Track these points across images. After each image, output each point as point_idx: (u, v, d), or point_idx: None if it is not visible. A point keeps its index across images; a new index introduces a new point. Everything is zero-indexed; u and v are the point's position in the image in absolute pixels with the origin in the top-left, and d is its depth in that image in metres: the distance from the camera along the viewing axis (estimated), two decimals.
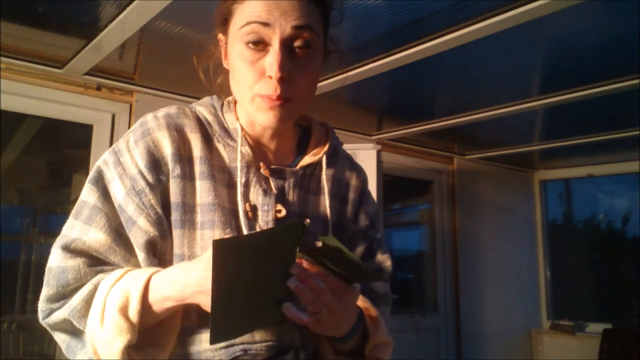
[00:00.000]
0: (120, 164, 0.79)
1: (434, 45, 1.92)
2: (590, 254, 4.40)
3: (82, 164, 2.51)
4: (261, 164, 0.84)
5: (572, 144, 3.45)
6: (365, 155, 2.95)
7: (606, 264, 4.31)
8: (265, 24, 0.74)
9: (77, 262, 0.74)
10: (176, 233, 0.77)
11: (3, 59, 2.16)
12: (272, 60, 0.74)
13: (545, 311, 4.29)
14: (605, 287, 4.30)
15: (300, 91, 0.77)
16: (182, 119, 0.83)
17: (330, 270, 0.70)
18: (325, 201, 0.89)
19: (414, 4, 1.67)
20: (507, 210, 4.20)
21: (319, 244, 0.70)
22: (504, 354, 3.96)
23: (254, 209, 0.82)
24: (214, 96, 0.89)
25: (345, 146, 1.01)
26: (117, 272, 0.73)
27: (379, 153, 3.12)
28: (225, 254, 0.61)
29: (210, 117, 0.85)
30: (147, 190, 0.76)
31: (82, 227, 0.76)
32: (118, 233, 0.76)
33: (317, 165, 0.90)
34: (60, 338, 0.77)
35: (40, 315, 0.76)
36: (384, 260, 0.97)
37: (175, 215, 0.78)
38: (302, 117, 0.96)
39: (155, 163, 0.78)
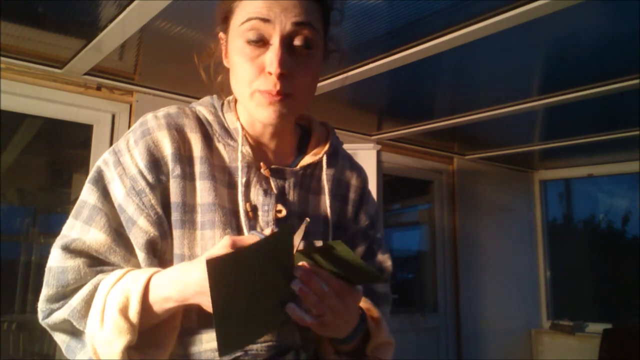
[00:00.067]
0: (120, 163, 0.79)
1: (434, 45, 1.92)
2: (590, 254, 4.40)
3: (82, 164, 2.51)
4: (261, 163, 0.84)
5: (572, 144, 3.45)
6: (365, 155, 2.95)
7: (606, 264, 4.31)
8: (266, 20, 0.74)
9: (77, 263, 0.73)
10: (176, 233, 0.77)
11: (3, 59, 2.16)
12: (271, 56, 0.74)
13: (545, 311, 4.29)
14: (605, 287, 4.30)
15: (299, 88, 0.77)
16: (182, 118, 0.83)
17: (333, 273, 0.70)
18: (326, 201, 0.89)
19: (414, 4, 1.67)
20: (507, 210, 4.20)
21: (319, 243, 0.70)
22: (504, 354, 3.96)
23: (254, 209, 0.82)
24: (214, 96, 0.89)
25: (345, 146, 1.01)
26: (117, 273, 0.73)
27: (379, 153, 3.12)
28: (221, 272, 0.60)
29: (210, 117, 0.85)
30: (147, 190, 0.76)
31: (82, 227, 0.76)
32: (118, 233, 0.76)
33: (317, 165, 0.90)
34: (60, 338, 0.76)
35: (40, 315, 0.76)
36: (384, 260, 0.97)
37: (175, 215, 0.77)
38: (302, 117, 0.96)
39: (156, 163, 0.78)
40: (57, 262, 0.74)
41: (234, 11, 0.79)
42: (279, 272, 0.67)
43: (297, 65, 0.76)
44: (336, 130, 0.98)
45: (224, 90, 0.88)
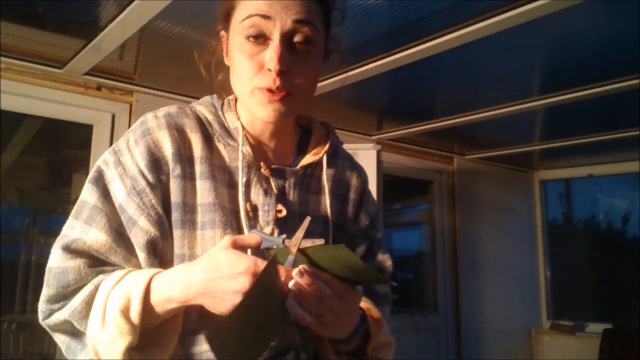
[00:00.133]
0: (120, 163, 0.78)
1: (434, 45, 1.92)
2: (590, 254, 4.40)
3: (82, 164, 2.51)
4: (262, 163, 0.84)
5: (572, 144, 3.45)
6: (365, 155, 2.95)
7: (606, 264, 4.31)
8: (266, 17, 0.74)
9: (78, 263, 0.73)
10: (177, 233, 0.77)
11: (3, 59, 2.16)
12: (271, 53, 0.74)
13: (545, 311, 4.29)
14: (605, 287, 4.30)
15: (299, 85, 0.77)
16: (183, 118, 0.83)
17: (333, 273, 0.70)
18: (326, 201, 0.89)
19: (414, 4, 1.67)
20: (507, 210, 4.20)
21: (320, 242, 0.69)
22: (504, 354, 3.96)
23: (254, 208, 0.82)
24: (214, 95, 0.89)
25: (345, 146, 1.01)
26: (118, 273, 0.72)
27: (379, 153, 3.12)
28: (223, 338, 0.59)
29: (210, 117, 0.85)
30: (147, 190, 0.76)
31: (82, 227, 0.76)
32: (119, 233, 0.76)
33: (317, 164, 0.90)
34: (60, 339, 0.76)
35: (40, 316, 0.75)
36: (385, 260, 0.97)
37: (175, 215, 0.77)
38: (302, 117, 0.96)
39: (156, 163, 0.78)
40: (58, 262, 0.74)
41: (235, 9, 0.79)
42: (275, 300, 0.67)
43: (296, 63, 0.76)
44: (336, 130, 0.98)
45: (224, 88, 0.88)
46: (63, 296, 0.74)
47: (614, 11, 1.75)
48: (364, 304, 0.86)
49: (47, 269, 0.75)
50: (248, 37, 0.76)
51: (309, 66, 0.78)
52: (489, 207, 4.07)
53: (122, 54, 2.15)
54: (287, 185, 0.85)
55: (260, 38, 0.75)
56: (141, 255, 0.75)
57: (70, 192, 2.62)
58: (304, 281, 0.65)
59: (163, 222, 0.77)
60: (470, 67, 2.28)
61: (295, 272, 0.65)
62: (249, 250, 0.71)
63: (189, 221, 0.78)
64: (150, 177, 0.77)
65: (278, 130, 0.86)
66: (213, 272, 0.66)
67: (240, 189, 0.81)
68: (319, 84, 2.13)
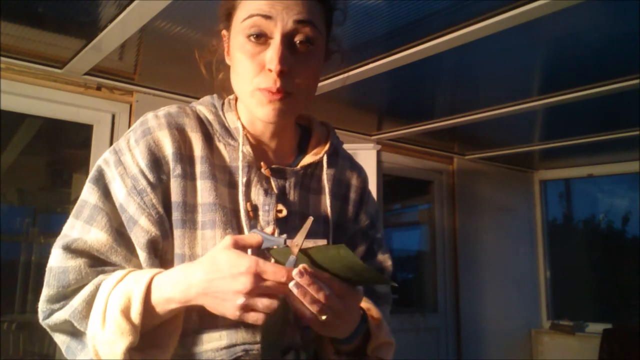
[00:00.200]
0: (121, 163, 0.78)
1: (434, 45, 1.92)
2: (590, 254, 4.40)
3: (82, 164, 2.51)
4: (262, 163, 0.84)
5: (572, 144, 3.45)
6: (365, 155, 2.95)
7: (606, 264, 4.31)
8: (267, 17, 0.74)
9: (78, 263, 0.73)
10: (177, 233, 0.77)
11: (3, 59, 2.16)
12: (272, 53, 0.74)
13: (545, 311, 4.29)
14: (605, 287, 4.30)
15: (299, 86, 0.77)
16: (183, 118, 0.83)
17: (334, 273, 0.70)
18: (326, 201, 0.89)
19: (414, 4, 1.67)
20: (507, 210, 4.20)
21: (323, 242, 0.69)
22: (504, 354, 3.96)
23: (255, 208, 0.82)
24: (214, 95, 0.89)
25: (345, 146, 1.01)
26: (119, 273, 0.72)
27: (379, 153, 3.12)
28: None
29: (210, 117, 0.85)
30: (148, 189, 0.76)
31: (82, 226, 0.76)
32: (119, 233, 0.76)
33: (317, 164, 0.90)
34: (60, 339, 0.76)
35: (40, 315, 0.75)
36: (385, 260, 0.97)
37: (176, 215, 0.77)
38: (302, 117, 0.96)
39: (156, 162, 0.78)
40: (58, 262, 0.73)
41: (237, 8, 0.79)
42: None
43: (297, 63, 0.76)
44: (336, 130, 0.98)
45: (225, 88, 0.88)
46: (63, 296, 0.74)
47: (614, 11, 1.75)
48: (364, 304, 0.86)
49: (47, 269, 0.75)
50: (249, 37, 0.76)
51: (309, 67, 0.78)
52: (489, 207, 4.07)
53: (122, 54, 2.15)
54: (287, 185, 0.85)
55: (261, 38, 0.75)
56: (142, 254, 0.75)
57: (70, 192, 2.62)
58: (304, 281, 0.65)
59: (164, 222, 0.77)
60: (470, 67, 2.28)
61: (295, 272, 0.65)
62: (249, 250, 0.71)
63: (190, 221, 0.78)
64: (150, 176, 0.77)
65: (278, 130, 0.86)
66: (214, 273, 0.66)
67: (241, 189, 0.81)
68: (320, 84, 2.13)
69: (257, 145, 0.86)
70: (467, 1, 1.64)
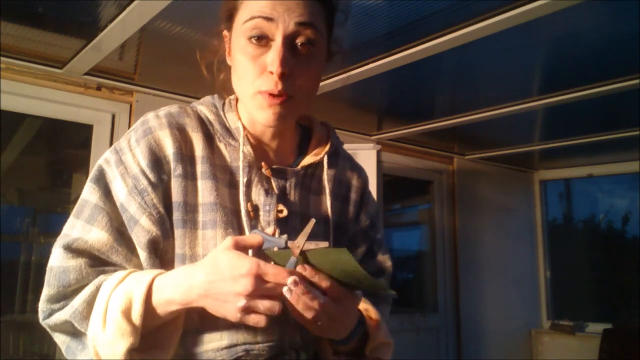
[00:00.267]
0: (122, 162, 0.78)
1: (434, 45, 1.92)
2: (590, 254, 4.40)
3: (82, 164, 2.51)
4: (263, 163, 0.84)
5: (572, 144, 3.45)
6: (365, 155, 2.95)
7: (606, 264, 4.31)
8: (269, 19, 0.74)
9: (79, 262, 0.73)
10: (178, 232, 0.77)
11: (3, 59, 2.16)
12: (273, 55, 0.74)
13: (545, 311, 4.29)
14: (605, 287, 4.30)
15: (301, 88, 0.77)
16: (184, 118, 0.83)
17: (333, 276, 0.70)
18: (327, 201, 0.89)
19: (414, 4, 1.67)
20: (507, 210, 4.20)
21: (324, 244, 0.69)
22: (504, 354, 3.96)
23: (255, 208, 0.82)
24: (215, 95, 0.89)
25: (346, 146, 1.01)
26: (120, 274, 0.72)
27: (379, 153, 3.12)
28: None
29: (211, 117, 0.85)
30: (149, 189, 0.76)
31: (83, 226, 0.76)
32: (120, 232, 0.76)
33: (318, 165, 0.90)
34: (60, 339, 0.76)
35: (40, 315, 0.75)
36: (385, 260, 0.97)
37: (176, 215, 0.77)
38: (302, 117, 0.96)
39: (157, 162, 0.78)
40: (59, 261, 0.73)
41: (238, 9, 0.79)
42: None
43: (299, 65, 0.76)
44: (336, 130, 0.98)
45: (226, 88, 0.88)
46: (64, 296, 0.73)
47: (614, 11, 1.75)
48: (363, 304, 0.86)
49: (47, 269, 0.74)
50: (250, 39, 0.76)
51: (311, 68, 0.78)
52: (489, 207, 4.07)
53: (122, 54, 2.14)
54: (288, 185, 0.85)
55: (263, 40, 0.75)
56: (142, 254, 0.75)
57: (70, 192, 2.62)
58: (298, 290, 0.65)
59: (164, 222, 0.77)
60: (470, 67, 2.28)
61: (290, 280, 0.65)
62: (250, 251, 0.71)
63: (190, 220, 0.78)
64: (151, 176, 0.77)
65: (279, 131, 0.86)
66: (215, 274, 0.65)
67: (241, 189, 0.81)
68: (320, 84, 2.13)
69: (257, 146, 0.86)
70: (467, 1, 1.64)
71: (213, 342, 0.75)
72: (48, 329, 0.76)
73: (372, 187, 2.76)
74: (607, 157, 3.97)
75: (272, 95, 0.75)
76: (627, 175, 4.09)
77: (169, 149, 0.79)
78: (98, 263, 0.75)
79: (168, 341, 0.72)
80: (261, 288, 0.65)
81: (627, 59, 2.10)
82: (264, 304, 0.65)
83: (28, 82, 2.27)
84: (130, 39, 1.93)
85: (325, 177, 0.90)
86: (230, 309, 0.65)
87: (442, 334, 3.71)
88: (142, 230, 0.75)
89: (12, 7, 1.74)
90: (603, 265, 4.32)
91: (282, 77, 0.74)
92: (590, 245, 4.43)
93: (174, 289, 0.68)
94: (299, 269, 0.68)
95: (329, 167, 0.91)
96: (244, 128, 0.84)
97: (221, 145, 0.84)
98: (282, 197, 0.84)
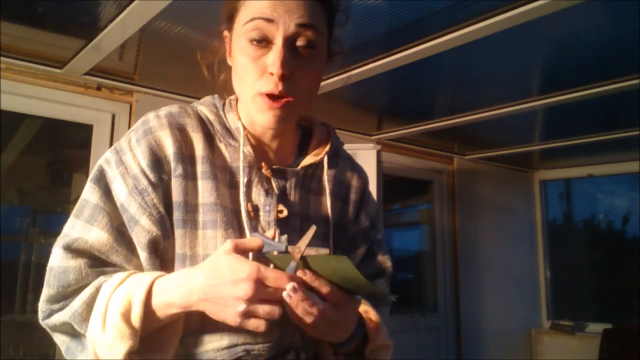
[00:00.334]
0: (122, 162, 0.78)
1: (434, 45, 1.92)
2: (590, 254, 4.40)
3: (82, 164, 2.51)
4: (263, 164, 0.84)
5: (572, 144, 3.45)
6: (365, 155, 2.95)
7: (606, 264, 4.31)
8: (269, 20, 0.74)
9: (79, 263, 0.73)
10: (178, 232, 0.77)
11: (3, 59, 2.16)
12: (274, 57, 0.74)
13: (545, 311, 4.29)
14: (605, 287, 4.30)
15: (301, 90, 0.77)
16: (184, 118, 0.83)
17: (333, 282, 0.69)
18: (327, 201, 0.89)
19: (414, 4, 1.67)
20: (507, 210, 4.20)
21: (325, 251, 0.69)
22: (504, 354, 3.96)
23: (255, 209, 0.82)
24: (215, 95, 0.89)
25: (346, 146, 1.01)
26: (120, 276, 0.72)
27: (379, 153, 3.12)
28: None
29: (212, 117, 0.85)
30: (149, 189, 0.76)
31: (83, 226, 0.76)
32: (120, 232, 0.76)
33: (318, 165, 0.90)
34: (59, 339, 0.76)
35: (40, 315, 0.75)
36: (385, 261, 0.97)
37: (177, 215, 0.77)
38: (303, 117, 0.96)
39: (158, 162, 0.78)
40: (59, 262, 0.73)
41: (239, 10, 0.79)
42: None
43: (299, 66, 0.76)
44: (336, 130, 0.98)
45: (226, 88, 0.88)
46: (63, 296, 0.73)
47: (614, 11, 1.75)
48: (363, 306, 0.86)
49: (47, 269, 0.74)
50: (251, 41, 0.76)
51: (311, 70, 0.78)
52: (489, 207, 4.07)
53: (122, 54, 2.14)
54: (288, 185, 0.85)
55: (263, 41, 0.75)
56: (142, 254, 0.75)
57: (70, 192, 2.62)
58: (297, 297, 0.65)
59: (164, 222, 0.77)
60: (470, 67, 2.28)
61: (289, 287, 0.65)
62: (250, 254, 0.71)
63: (191, 221, 0.78)
64: (152, 176, 0.77)
65: (279, 131, 0.86)
66: (215, 278, 0.65)
67: (242, 189, 0.81)
68: (320, 84, 2.13)
69: (258, 146, 0.86)
70: (467, 1, 1.64)
71: (213, 342, 0.75)
72: (48, 329, 0.76)
73: (372, 187, 2.76)
74: (607, 157, 3.97)
75: (272, 97, 0.75)
76: (627, 175, 4.09)
77: (169, 149, 0.79)
78: (98, 263, 0.74)
79: (168, 344, 0.72)
80: (261, 292, 0.64)
81: (627, 59, 2.10)
82: (264, 309, 0.65)
83: (28, 82, 2.27)
84: (130, 39, 1.93)
85: (325, 177, 0.90)
86: (230, 313, 0.65)
87: (442, 334, 3.71)
88: (142, 230, 0.75)
89: (12, 7, 1.74)
90: (603, 265, 4.32)
91: (283, 78, 0.74)
92: (590, 245, 4.43)
93: (174, 292, 0.68)
94: (299, 273, 0.68)
95: (329, 167, 0.91)
96: (244, 128, 0.84)
97: (221, 146, 0.84)
98: (282, 198, 0.84)
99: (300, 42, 0.76)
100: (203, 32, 1.86)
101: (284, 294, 0.65)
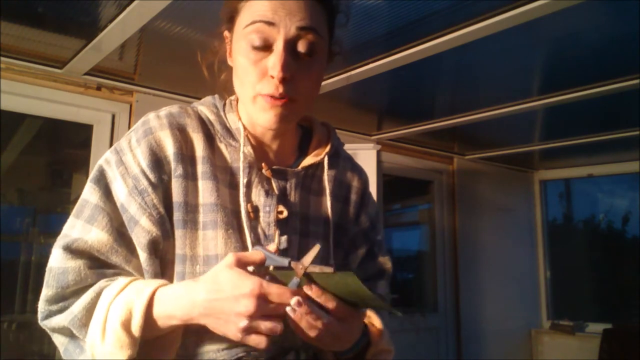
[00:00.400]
0: (122, 163, 0.78)
1: (434, 45, 1.92)
2: (590, 254, 4.40)
3: (82, 164, 2.50)
4: (263, 164, 0.84)
5: (572, 144, 3.45)
6: (365, 155, 2.95)
7: (606, 264, 4.31)
8: (270, 24, 0.74)
9: (78, 264, 0.73)
10: (178, 233, 0.77)
11: (3, 59, 2.16)
12: (275, 60, 0.74)
13: (545, 311, 4.29)
14: (605, 287, 4.30)
15: (302, 92, 0.77)
16: (185, 118, 0.83)
17: (338, 296, 0.68)
18: (327, 202, 0.89)
19: (414, 4, 1.67)
20: (507, 210, 4.20)
21: (329, 270, 0.68)
22: (504, 354, 3.96)
23: (255, 209, 0.82)
24: (216, 95, 0.89)
25: (346, 146, 1.01)
26: (121, 282, 0.72)
27: (379, 153, 3.12)
28: None
29: (212, 117, 0.85)
30: (149, 189, 0.76)
31: (83, 226, 0.75)
32: (120, 233, 0.75)
33: (318, 165, 0.90)
34: (58, 340, 0.76)
35: (39, 316, 0.75)
36: (385, 262, 0.97)
37: (177, 215, 0.77)
38: (303, 118, 0.96)
39: (158, 162, 0.78)
40: (58, 262, 0.73)
41: (240, 12, 0.79)
42: None
43: (300, 69, 0.76)
44: (337, 130, 0.98)
45: (226, 88, 0.88)
46: (62, 297, 0.73)
47: (614, 11, 1.75)
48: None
49: (47, 269, 0.74)
50: (252, 44, 0.76)
51: (312, 72, 0.78)
52: (489, 207, 4.07)
53: (122, 54, 2.14)
54: (288, 186, 0.85)
55: (264, 44, 0.75)
56: (142, 255, 0.75)
57: (70, 192, 2.62)
58: (301, 310, 0.65)
59: (165, 222, 0.76)
60: (470, 67, 2.28)
61: (293, 301, 0.64)
62: (250, 267, 0.71)
63: (191, 221, 0.78)
64: (152, 176, 0.77)
65: (280, 132, 0.86)
66: (216, 293, 0.65)
67: (242, 190, 0.81)
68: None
69: (258, 146, 0.86)
70: (467, 1, 1.64)
71: (213, 343, 0.75)
72: (47, 330, 0.76)
73: (372, 187, 2.76)
74: (607, 157, 3.97)
75: (272, 97, 0.75)
76: (627, 175, 4.09)
77: (169, 149, 0.79)
78: (97, 264, 0.74)
79: (166, 353, 0.72)
80: (263, 309, 0.64)
81: (627, 59, 2.10)
82: (265, 325, 0.64)
83: (28, 82, 2.27)
84: (130, 39, 1.93)
85: (325, 177, 0.90)
86: (231, 329, 0.65)
87: (442, 334, 3.71)
88: (142, 230, 0.75)
89: (12, 7, 1.74)
90: (603, 265, 4.32)
91: (283, 81, 0.74)
92: (590, 245, 4.43)
93: (175, 305, 0.68)
94: (305, 288, 0.67)
95: (330, 167, 0.91)
96: (245, 128, 0.84)
97: (222, 146, 0.84)
98: (283, 198, 0.84)
99: (301, 45, 0.76)
100: (203, 32, 1.86)
101: (288, 308, 0.65)
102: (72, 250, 0.74)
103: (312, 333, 0.67)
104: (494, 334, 3.90)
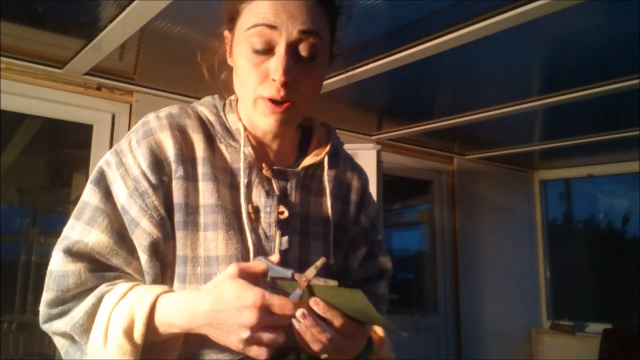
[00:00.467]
0: (122, 164, 0.78)
1: (434, 45, 1.92)
2: (590, 254, 4.40)
3: (82, 164, 2.51)
4: (263, 165, 0.84)
5: (572, 144, 3.45)
6: (365, 155, 2.95)
7: (606, 264, 4.31)
8: (272, 27, 0.74)
9: (78, 267, 0.72)
10: (179, 234, 0.77)
11: (3, 59, 2.16)
12: (276, 63, 0.74)
13: (545, 311, 4.29)
14: (605, 287, 4.30)
15: (303, 95, 0.77)
16: (185, 119, 0.82)
17: (343, 312, 0.68)
18: (327, 202, 0.89)
19: (414, 4, 1.67)
20: (507, 210, 4.20)
21: (334, 283, 0.67)
22: (504, 354, 3.96)
23: (256, 210, 0.81)
24: (216, 96, 0.89)
25: (346, 146, 1.00)
26: (122, 288, 0.71)
27: (379, 153, 3.12)
28: None
29: (212, 118, 0.85)
30: (150, 191, 0.76)
31: (83, 228, 0.75)
32: (120, 235, 0.75)
33: (318, 165, 0.90)
34: (59, 342, 0.75)
35: (40, 319, 0.75)
36: (385, 262, 0.97)
37: (178, 217, 0.77)
38: (303, 118, 0.95)
39: (158, 164, 0.78)
40: (58, 265, 0.73)
41: (241, 13, 0.78)
42: None
43: (301, 72, 0.76)
44: (336, 130, 0.98)
45: (226, 88, 0.88)
46: (62, 300, 0.73)
47: (614, 11, 1.75)
48: None
49: (47, 272, 0.74)
50: (253, 47, 0.75)
51: (313, 75, 0.78)
52: (489, 207, 4.07)
53: (122, 54, 2.14)
54: (288, 186, 0.85)
55: (266, 48, 0.75)
56: (143, 257, 0.75)
57: (70, 192, 2.62)
58: (306, 323, 0.64)
59: (165, 224, 0.76)
60: (470, 67, 2.28)
61: (299, 313, 0.64)
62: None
63: (192, 222, 0.77)
64: (152, 178, 0.76)
65: (280, 133, 0.85)
66: (219, 304, 0.64)
67: (242, 191, 0.81)
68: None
69: (258, 147, 0.86)
70: (467, 1, 1.64)
71: (215, 343, 0.75)
72: (48, 332, 0.76)
73: (372, 187, 2.76)
74: (607, 157, 3.97)
75: (274, 102, 0.75)
76: (627, 175, 4.09)
77: (169, 150, 0.78)
78: (98, 267, 0.74)
79: (169, 354, 0.72)
80: (265, 320, 0.63)
81: (627, 59, 2.10)
82: (267, 336, 0.64)
83: (28, 82, 2.27)
84: (130, 39, 1.93)
85: (325, 177, 0.89)
86: (233, 340, 0.64)
87: (442, 334, 3.71)
88: (143, 232, 0.74)
89: (12, 7, 1.74)
90: (603, 265, 4.32)
91: (285, 85, 0.74)
92: (590, 245, 4.43)
93: (177, 314, 0.67)
94: (311, 303, 0.66)
95: (330, 167, 0.90)
96: (245, 129, 0.84)
97: (222, 147, 0.84)
98: (283, 199, 0.84)
99: (302, 48, 0.75)
100: (203, 32, 1.86)
101: (293, 319, 0.65)
102: (73, 253, 0.73)
103: (316, 347, 0.66)
104: (494, 334, 3.90)
